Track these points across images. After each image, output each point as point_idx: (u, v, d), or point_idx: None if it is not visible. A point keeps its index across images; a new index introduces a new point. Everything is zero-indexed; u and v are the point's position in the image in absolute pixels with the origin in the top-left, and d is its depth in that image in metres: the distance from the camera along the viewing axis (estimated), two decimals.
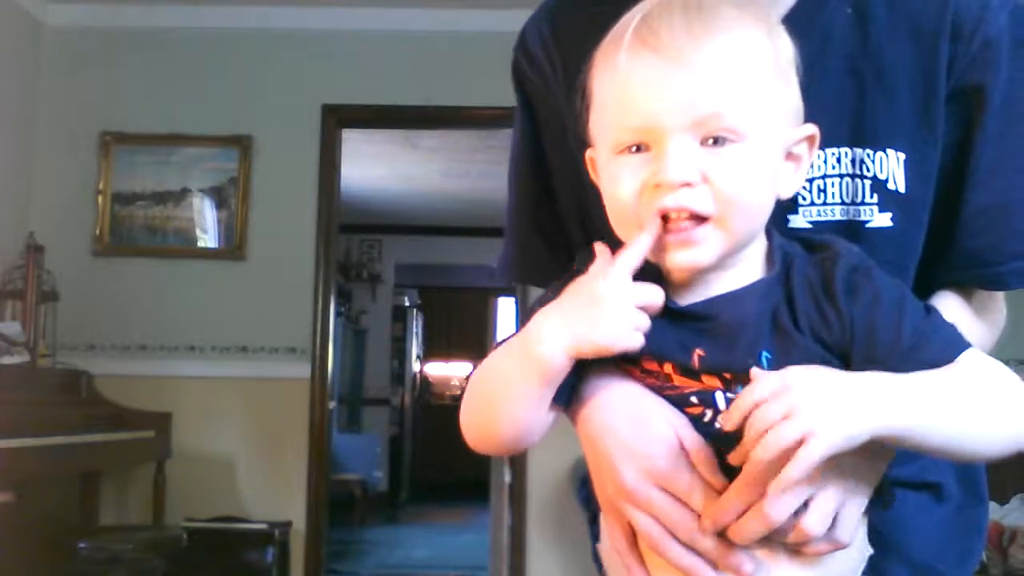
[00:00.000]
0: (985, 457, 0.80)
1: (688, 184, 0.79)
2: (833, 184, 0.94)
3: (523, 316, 0.93)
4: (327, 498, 4.60)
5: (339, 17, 4.54)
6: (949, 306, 0.95)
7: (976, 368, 0.80)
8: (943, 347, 0.80)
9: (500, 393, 0.86)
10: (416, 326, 10.33)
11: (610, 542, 0.89)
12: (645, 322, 0.80)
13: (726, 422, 0.76)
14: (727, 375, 0.82)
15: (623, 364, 0.86)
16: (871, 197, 0.93)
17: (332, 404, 5.04)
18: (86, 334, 4.36)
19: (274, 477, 4.44)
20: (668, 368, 0.84)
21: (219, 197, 4.52)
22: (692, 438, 0.83)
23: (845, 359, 0.81)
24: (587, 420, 0.88)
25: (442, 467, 9.57)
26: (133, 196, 4.50)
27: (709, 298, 0.84)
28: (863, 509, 0.82)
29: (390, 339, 9.56)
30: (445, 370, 11.35)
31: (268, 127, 4.53)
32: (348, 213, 6.14)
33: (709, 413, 0.83)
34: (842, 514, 0.80)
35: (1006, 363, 0.85)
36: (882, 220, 0.93)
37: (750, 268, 0.85)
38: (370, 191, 7.61)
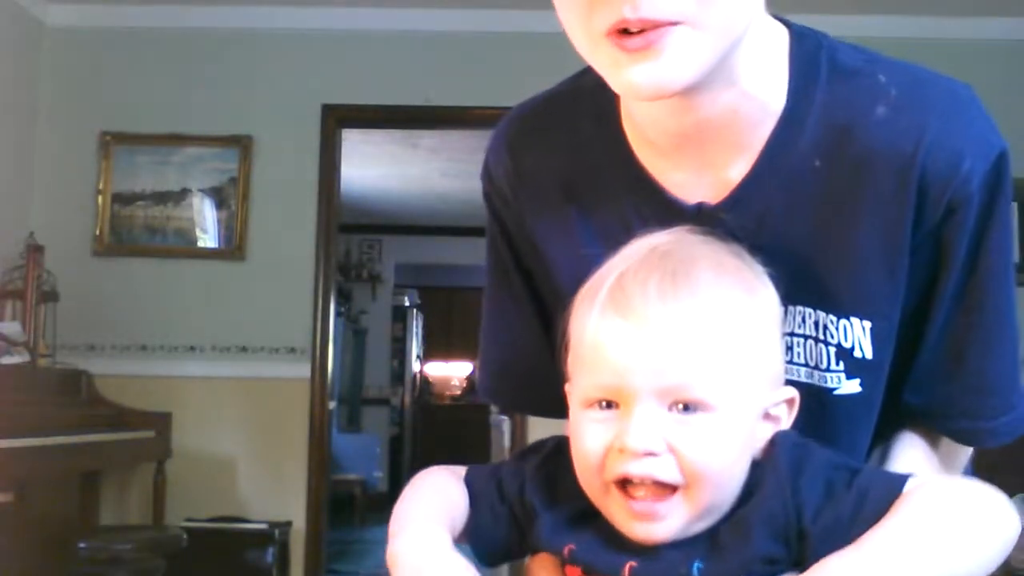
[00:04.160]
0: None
1: (652, 453, 0.76)
2: (798, 344, 0.90)
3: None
4: (327, 498, 4.60)
5: (339, 17, 4.53)
6: (914, 453, 0.93)
7: (928, 491, 0.77)
8: (888, 486, 0.78)
9: (397, 521, 0.93)
10: (416, 326, 10.32)
11: None
12: None
13: None
14: None
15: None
16: (836, 364, 0.89)
17: (332, 404, 5.04)
18: (86, 334, 4.36)
19: (274, 477, 4.44)
20: None
21: (219, 197, 4.52)
22: None
23: (788, 544, 0.78)
24: None
25: None
26: (133, 196, 4.50)
27: (657, 543, 0.80)
28: None
29: (390, 339, 9.56)
30: (445, 370, 11.35)
31: (268, 127, 4.53)
32: (348, 213, 6.14)
33: None
34: None
35: None
36: (851, 387, 0.89)
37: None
38: (370, 191, 7.61)
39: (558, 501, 0.86)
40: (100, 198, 4.48)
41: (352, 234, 8.63)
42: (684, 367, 0.76)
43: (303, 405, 4.46)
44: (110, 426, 3.90)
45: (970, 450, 0.98)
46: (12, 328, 3.88)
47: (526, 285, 1.04)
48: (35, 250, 4.08)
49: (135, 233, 4.49)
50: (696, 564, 0.78)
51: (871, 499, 0.77)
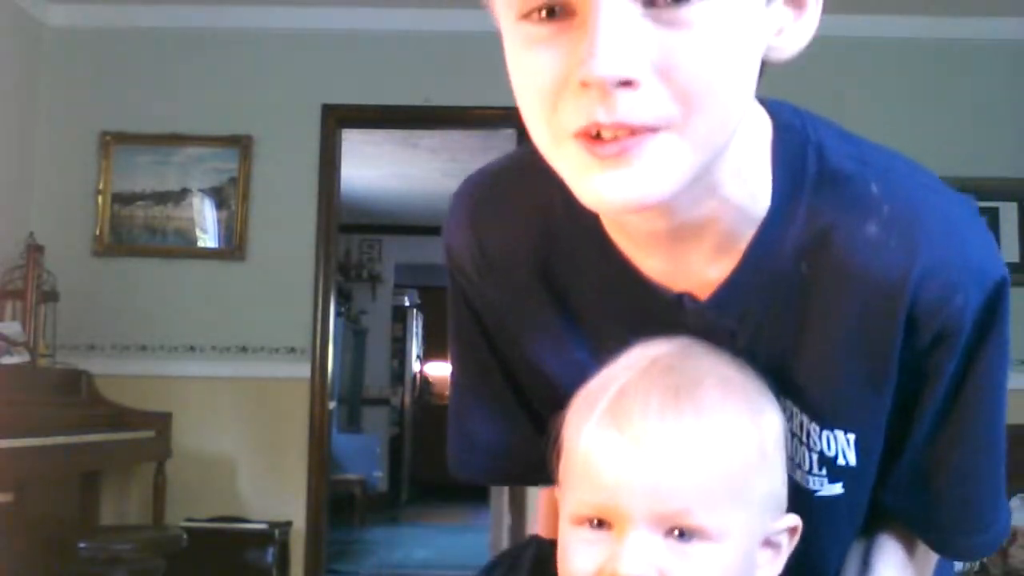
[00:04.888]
0: None
1: None
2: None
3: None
4: (327, 498, 4.60)
5: (339, 17, 4.54)
6: (893, 552, 0.90)
7: None
8: None
9: None
10: (416, 326, 10.32)
11: None
12: None
13: None
14: None
15: None
16: (819, 470, 0.84)
17: (332, 404, 5.04)
18: (86, 334, 4.36)
19: (274, 477, 4.44)
20: None
21: (219, 197, 4.52)
22: None
23: None
24: None
25: (442, 467, 9.43)
26: (133, 196, 4.50)
27: None
28: None
29: (390, 339, 9.56)
30: (445, 370, 11.35)
31: (268, 127, 4.53)
32: (348, 213, 6.14)
33: None
34: None
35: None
36: (833, 489, 0.85)
37: None
38: (370, 191, 7.61)
39: None
40: (100, 198, 4.48)
41: (352, 234, 8.63)
42: (684, 491, 0.72)
43: (303, 405, 4.46)
44: (110, 426, 3.90)
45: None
46: (12, 328, 3.88)
47: (500, 365, 0.95)
48: (35, 250, 4.08)
49: (135, 233, 4.49)
50: None
51: None
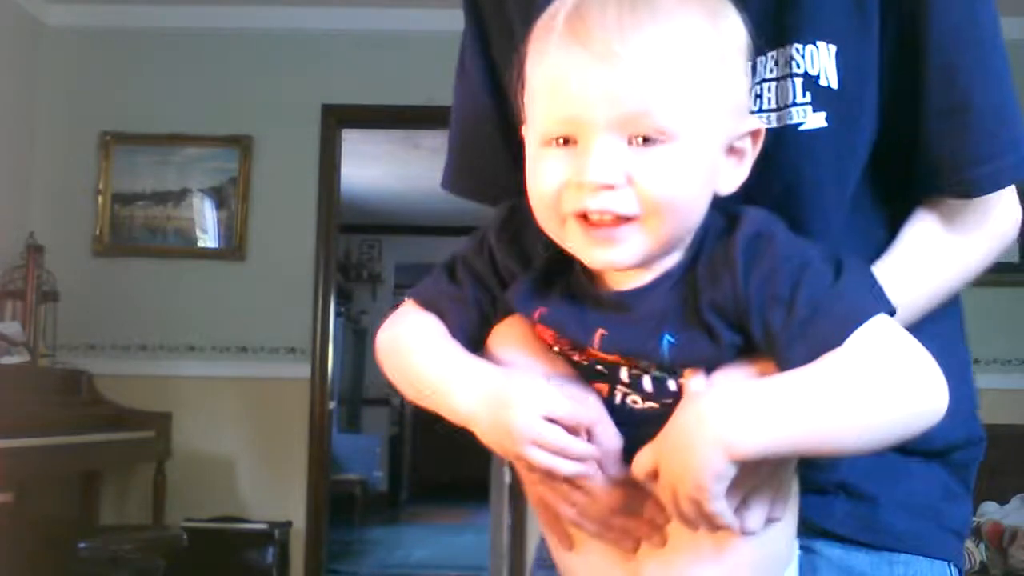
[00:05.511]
0: (880, 448, 0.77)
1: (610, 187, 0.75)
2: (769, 89, 0.89)
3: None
4: (327, 498, 4.60)
5: (339, 17, 4.54)
6: (921, 227, 0.91)
7: (864, 352, 0.74)
8: (837, 322, 0.75)
9: (418, 385, 0.89)
10: None
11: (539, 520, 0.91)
12: (551, 439, 0.79)
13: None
14: (627, 358, 0.81)
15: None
16: (803, 96, 0.87)
17: (332, 404, 5.04)
18: (86, 334, 4.36)
19: (274, 477, 4.44)
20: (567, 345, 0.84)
21: (219, 197, 4.52)
22: (601, 428, 0.82)
23: (745, 334, 0.78)
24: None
25: (442, 467, 9.56)
26: (133, 196, 4.50)
27: (624, 290, 0.82)
28: (778, 502, 0.81)
29: None
30: None
31: (268, 127, 4.53)
32: (348, 213, 6.14)
33: (618, 395, 0.83)
34: (749, 503, 0.79)
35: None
36: (816, 120, 0.87)
37: (673, 254, 0.82)
38: (370, 191, 7.61)
39: (530, 258, 0.86)
40: (100, 198, 4.48)
41: (352, 234, 8.63)
42: (644, 94, 0.74)
43: (303, 405, 4.46)
44: (110, 426, 3.90)
45: (1004, 217, 0.94)
46: (12, 328, 3.88)
47: (488, 73, 1.05)
48: (35, 250, 4.08)
49: (135, 233, 4.49)
50: (666, 337, 0.79)
51: (817, 323, 0.75)
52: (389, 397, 9.57)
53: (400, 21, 4.54)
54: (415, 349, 0.89)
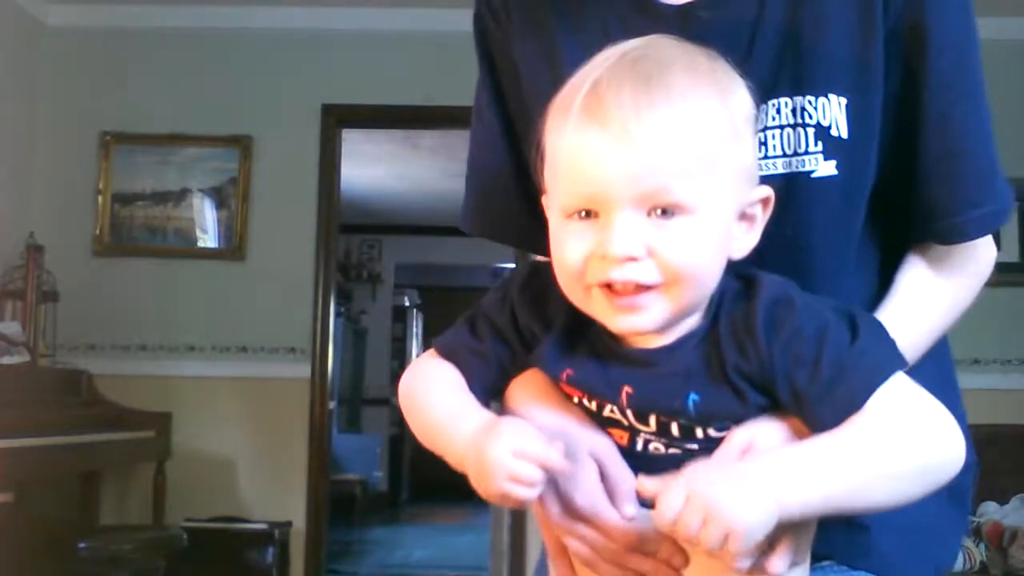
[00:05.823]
0: (910, 501, 0.80)
1: (633, 259, 0.79)
2: (774, 136, 0.93)
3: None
4: (327, 498, 4.60)
5: (339, 17, 4.54)
6: (914, 274, 0.97)
7: (888, 413, 0.78)
8: (862, 383, 0.79)
9: (425, 429, 0.93)
10: (416, 326, 10.32)
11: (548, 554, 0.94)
12: (533, 477, 0.80)
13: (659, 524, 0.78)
14: (653, 415, 0.85)
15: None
16: (815, 145, 0.92)
17: (332, 404, 5.04)
18: (86, 334, 4.36)
19: (274, 477, 4.44)
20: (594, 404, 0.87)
21: (219, 197, 4.52)
22: (615, 470, 0.86)
23: (770, 395, 0.82)
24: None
25: (442, 467, 9.41)
26: (133, 196, 4.50)
27: (648, 348, 0.85)
28: (803, 547, 0.83)
29: (390, 339, 9.56)
30: None
31: (268, 127, 4.53)
32: (348, 213, 6.14)
33: (639, 441, 0.86)
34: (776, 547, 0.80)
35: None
36: (827, 168, 0.92)
37: (693, 316, 0.85)
38: (370, 191, 7.61)
39: (551, 319, 0.89)
40: (100, 198, 4.48)
41: (352, 234, 8.63)
42: (661, 171, 0.78)
43: (303, 405, 4.46)
44: (110, 426, 3.90)
45: (983, 258, 1.00)
46: (12, 328, 3.88)
47: (503, 120, 1.08)
48: (35, 250, 4.08)
49: (135, 233, 4.49)
50: (691, 396, 0.82)
51: (842, 384, 0.79)
52: (389, 397, 9.57)
53: (400, 21, 4.54)
54: (427, 395, 0.93)
